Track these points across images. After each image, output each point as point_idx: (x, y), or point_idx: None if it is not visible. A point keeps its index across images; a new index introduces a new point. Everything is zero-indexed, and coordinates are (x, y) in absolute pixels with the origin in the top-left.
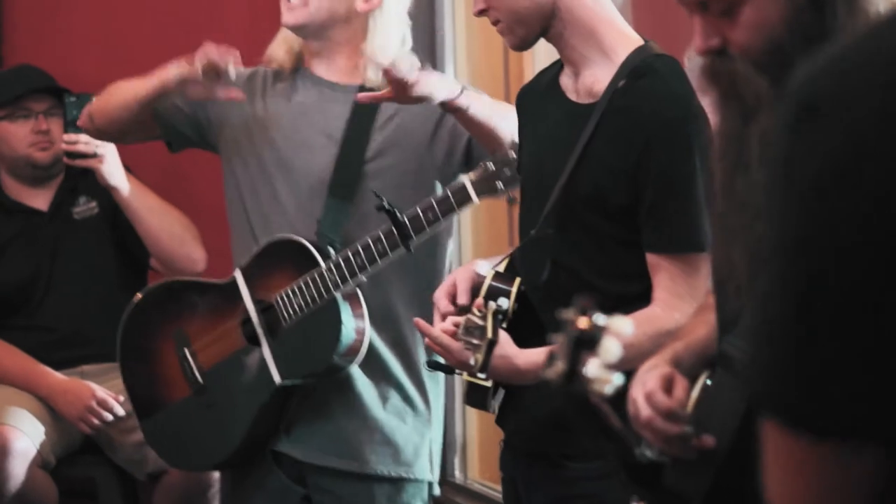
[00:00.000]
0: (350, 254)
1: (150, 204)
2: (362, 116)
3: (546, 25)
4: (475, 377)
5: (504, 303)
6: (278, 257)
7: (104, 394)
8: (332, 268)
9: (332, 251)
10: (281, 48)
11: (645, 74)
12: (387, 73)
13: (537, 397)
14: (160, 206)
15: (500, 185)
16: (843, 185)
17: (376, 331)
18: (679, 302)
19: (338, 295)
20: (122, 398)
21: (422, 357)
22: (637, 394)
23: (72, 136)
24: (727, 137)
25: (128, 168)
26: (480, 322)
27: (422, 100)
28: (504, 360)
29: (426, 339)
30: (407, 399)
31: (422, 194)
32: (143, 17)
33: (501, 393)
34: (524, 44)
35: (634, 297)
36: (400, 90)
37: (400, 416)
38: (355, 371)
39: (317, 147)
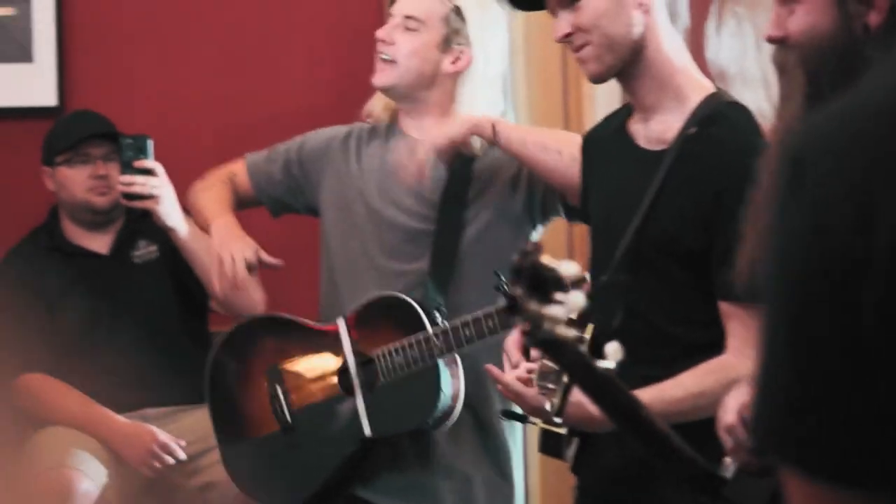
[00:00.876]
0: (460, 324)
1: (209, 245)
2: (458, 181)
3: (632, 59)
4: (550, 424)
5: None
6: (384, 313)
7: (166, 438)
8: (440, 334)
9: (438, 316)
10: (378, 104)
11: (717, 122)
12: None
13: (615, 445)
14: None
15: None
16: (819, 240)
17: None
18: (751, 351)
19: (440, 361)
20: (183, 442)
21: (496, 405)
22: (729, 400)
23: (128, 178)
24: None
25: (187, 211)
26: (556, 366)
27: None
28: (579, 405)
29: (499, 386)
30: (484, 449)
31: (516, 245)
32: (201, 62)
33: (576, 441)
34: (607, 74)
35: (706, 344)
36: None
37: (476, 465)
38: None
39: (405, 205)
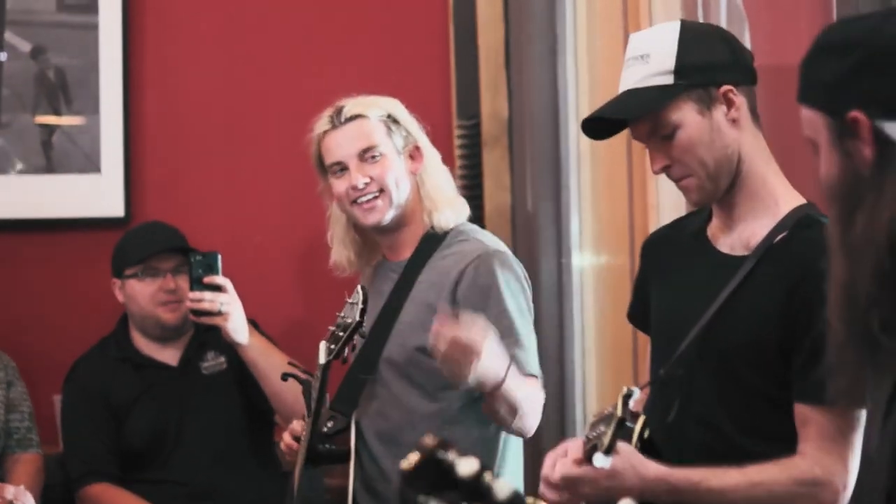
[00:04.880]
0: None
1: (274, 361)
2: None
3: (734, 179)
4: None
5: (634, 389)
6: None
7: None
8: None
9: None
10: (342, 255)
11: (810, 226)
12: (455, 341)
13: None
14: (284, 364)
15: None
16: None
17: None
18: (824, 457)
19: None
20: None
21: None
22: None
23: (197, 294)
24: None
25: (254, 323)
26: (609, 409)
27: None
28: (631, 468)
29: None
30: None
31: None
32: (270, 174)
33: None
34: (711, 200)
35: (763, 457)
36: (456, 359)
37: None
38: None
39: None
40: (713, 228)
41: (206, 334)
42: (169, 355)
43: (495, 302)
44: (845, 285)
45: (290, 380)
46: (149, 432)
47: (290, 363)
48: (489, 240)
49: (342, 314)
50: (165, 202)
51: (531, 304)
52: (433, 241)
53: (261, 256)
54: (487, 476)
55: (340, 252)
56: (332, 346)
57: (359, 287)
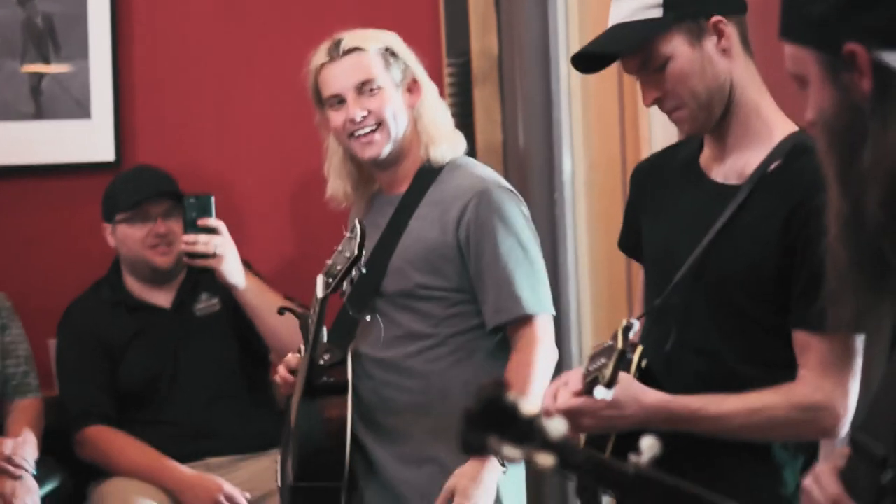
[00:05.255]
0: None
1: (269, 301)
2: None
3: (727, 109)
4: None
5: (634, 321)
6: None
7: (231, 488)
8: None
9: None
10: (339, 187)
11: (804, 153)
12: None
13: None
14: (279, 303)
15: None
16: None
17: (424, 418)
18: (824, 382)
19: None
20: (248, 494)
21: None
22: (813, 489)
23: (190, 237)
24: None
25: (247, 264)
26: (608, 342)
27: None
28: (631, 398)
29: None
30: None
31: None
32: (260, 115)
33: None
34: (703, 130)
35: (762, 384)
36: None
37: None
38: (393, 461)
39: None
40: (705, 158)
41: (198, 276)
42: (162, 298)
43: (498, 237)
44: (850, 214)
45: (286, 317)
46: (144, 374)
47: (286, 298)
48: (487, 174)
49: (340, 248)
50: (156, 146)
51: (537, 236)
52: (430, 174)
53: (254, 198)
54: (543, 416)
55: (337, 184)
56: (330, 280)
57: (356, 221)
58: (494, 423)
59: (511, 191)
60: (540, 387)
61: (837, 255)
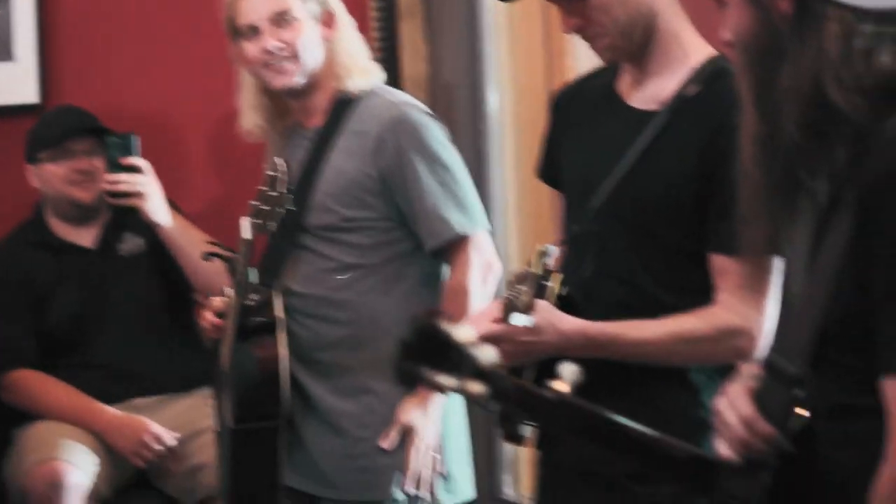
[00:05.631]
0: None
1: (194, 240)
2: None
3: (648, 36)
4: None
5: (550, 247)
6: None
7: (158, 428)
8: None
9: None
10: (251, 118)
11: (722, 78)
12: None
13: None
14: (204, 242)
15: None
16: None
17: (358, 350)
18: (740, 305)
19: None
20: (177, 434)
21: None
22: (726, 411)
23: (114, 177)
24: None
25: (173, 203)
26: (526, 268)
27: None
28: (549, 324)
29: None
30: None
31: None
32: (185, 56)
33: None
34: (624, 58)
35: (681, 310)
36: None
37: (373, 438)
38: (329, 395)
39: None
40: (623, 84)
41: (123, 216)
42: (85, 237)
43: (423, 163)
44: (766, 135)
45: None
46: (69, 316)
47: (211, 242)
48: (402, 98)
49: (264, 188)
50: (80, 88)
51: (458, 155)
52: (345, 105)
53: (178, 137)
54: (476, 343)
55: (250, 116)
56: (257, 221)
57: (277, 159)
58: (428, 353)
59: (428, 113)
60: (476, 310)
61: (752, 177)
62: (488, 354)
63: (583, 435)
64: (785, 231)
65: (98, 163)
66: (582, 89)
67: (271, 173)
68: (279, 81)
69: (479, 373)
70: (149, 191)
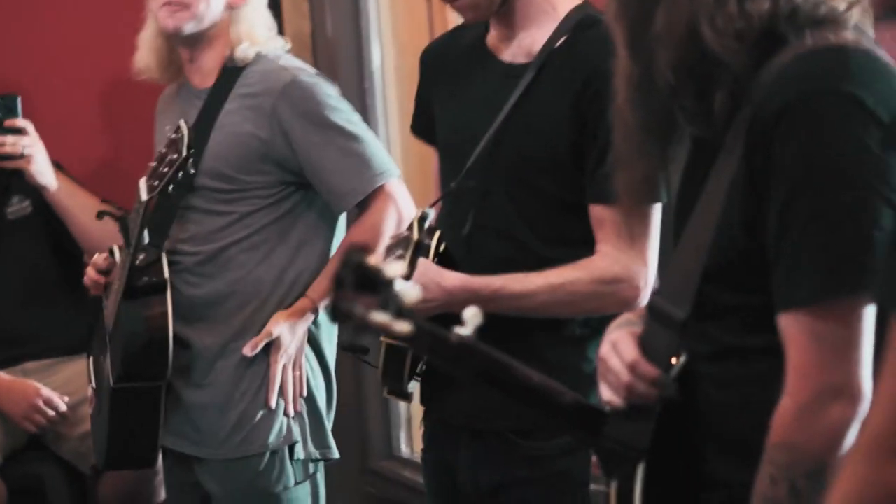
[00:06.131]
0: None
1: (81, 201)
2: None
3: None
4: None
5: (429, 211)
6: None
7: (49, 392)
8: None
9: None
10: (150, 59)
11: (591, 26)
12: None
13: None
14: (91, 203)
15: None
16: None
17: (243, 308)
18: (622, 255)
19: None
20: (66, 398)
21: None
22: (610, 356)
23: None
24: None
25: (58, 165)
26: (405, 232)
27: None
28: (431, 281)
29: None
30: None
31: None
32: (71, 14)
33: (422, 368)
34: (486, 15)
35: (563, 263)
36: None
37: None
38: (206, 351)
39: None
40: (492, 39)
41: (9, 179)
42: None
43: (320, 125)
44: (640, 77)
45: (99, 218)
46: None
47: (103, 201)
48: (292, 63)
49: (163, 150)
50: None
51: (354, 110)
52: (234, 71)
53: (63, 98)
54: (402, 281)
55: (144, 56)
56: (155, 183)
57: (181, 122)
58: (359, 289)
59: (318, 74)
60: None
61: (626, 118)
62: (412, 293)
63: (483, 379)
64: (659, 175)
65: None
66: (451, 44)
67: (173, 135)
68: (168, 22)
69: (405, 312)
70: (34, 152)
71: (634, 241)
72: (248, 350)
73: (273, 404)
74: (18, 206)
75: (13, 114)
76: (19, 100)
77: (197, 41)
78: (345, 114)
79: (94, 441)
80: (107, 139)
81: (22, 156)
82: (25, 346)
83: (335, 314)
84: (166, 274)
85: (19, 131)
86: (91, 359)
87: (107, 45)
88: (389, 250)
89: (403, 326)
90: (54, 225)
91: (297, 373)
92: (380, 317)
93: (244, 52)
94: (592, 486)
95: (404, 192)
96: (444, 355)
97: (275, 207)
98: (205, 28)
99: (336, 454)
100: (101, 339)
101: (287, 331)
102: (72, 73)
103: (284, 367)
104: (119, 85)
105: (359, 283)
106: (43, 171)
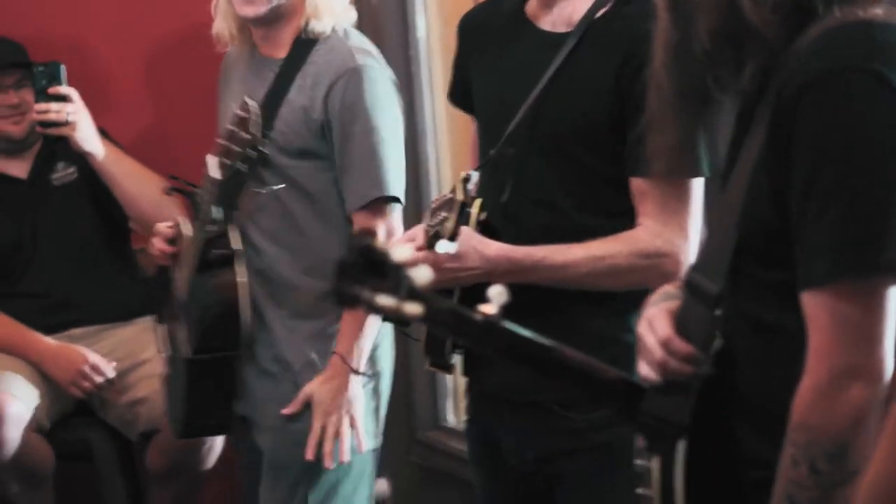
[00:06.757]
0: None
1: (127, 168)
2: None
3: None
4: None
5: (473, 173)
6: None
7: (96, 358)
8: None
9: None
10: (226, 25)
11: (630, 0)
12: None
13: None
14: (137, 170)
15: None
16: None
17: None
18: (663, 229)
19: None
20: (114, 363)
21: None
22: (646, 334)
23: (42, 106)
24: None
25: (104, 132)
26: (448, 195)
27: None
28: (472, 249)
29: None
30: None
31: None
32: None
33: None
34: None
35: (604, 234)
36: None
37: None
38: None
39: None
40: (532, 7)
41: (55, 146)
42: (18, 168)
43: (362, 121)
44: (678, 42)
45: (145, 185)
46: (2, 246)
47: (170, 177)
48: (357, 45)
49: (232, 127)
50: (4, 16)
51: (401, 117)
52: (308, 44)
53: (108, 65)
54: (411, 264)
55: (221, 24)
56: (227, 161)
57: (248, 100)
58: (367, 273)
59: (379, 65)
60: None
61: (662, 83)
62: (424, 274)
63: (510, 357)
64: (689, 143)
65: (27, 95)
66: (490, 13)
67: (241, 113)
68: (249, 11)
69: (415, 294)
70: (78, 119)
71: (676, 214)
72: (289, 411)
73: (311, 457)
74: (64, 173)
75: (57, 81)
76: (63, 68)
77: (273, 20)
78: (390, 116)
79: (169, 409)
80: (152, 106)
81: (66, 123)
82: (72, 313)
83: (338, 298)
84: (238, 245)
85: (63, 98)
86: (163, 327)
87: (152, 12)
88: (433, 213)
89: (414, 308)
90: (100, 192)
91: (341, 429)
92: (387, 300)
93: (321, 25)
94: (637, 462)
95: (399, 220)
96: (468, 334)
97: (328, 178)
98: (282, 3)
99: (380, 442)
100: (172, 309)
101: (326, 395)
102: (117, 40)
103: (325, 427)
104: (164, 51)
105: (367, 267)
106: (88, 138)
